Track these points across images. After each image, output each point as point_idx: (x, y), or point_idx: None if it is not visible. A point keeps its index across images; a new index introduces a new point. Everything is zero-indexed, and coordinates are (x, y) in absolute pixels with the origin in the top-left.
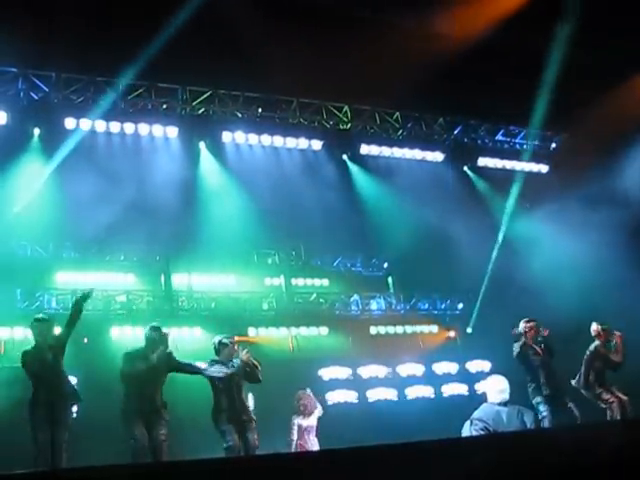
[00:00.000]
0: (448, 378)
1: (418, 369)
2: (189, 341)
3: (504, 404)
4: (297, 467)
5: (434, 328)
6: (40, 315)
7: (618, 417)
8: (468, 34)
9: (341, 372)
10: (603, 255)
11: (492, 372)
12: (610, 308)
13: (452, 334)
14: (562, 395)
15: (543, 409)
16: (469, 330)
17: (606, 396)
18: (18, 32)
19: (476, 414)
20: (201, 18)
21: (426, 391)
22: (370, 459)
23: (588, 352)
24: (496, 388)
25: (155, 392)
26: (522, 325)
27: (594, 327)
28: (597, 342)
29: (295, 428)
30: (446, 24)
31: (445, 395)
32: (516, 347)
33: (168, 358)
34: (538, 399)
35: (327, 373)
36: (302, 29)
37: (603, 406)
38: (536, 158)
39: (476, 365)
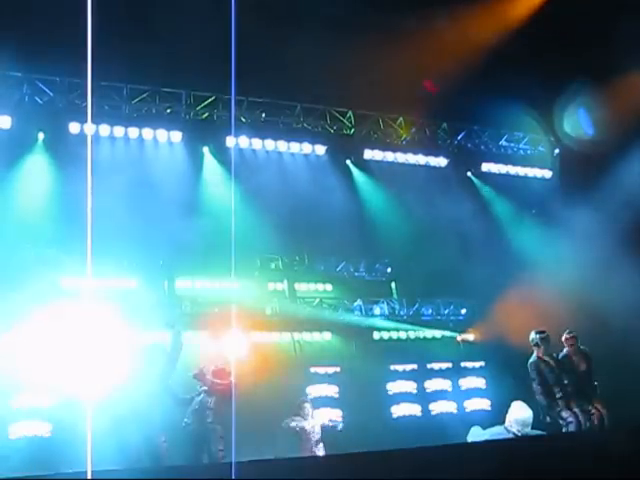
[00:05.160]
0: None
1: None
2: (192, 346)
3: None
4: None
5: (437, 333)
6: None
7: None
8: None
9: None
10: (609, 261)
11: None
12: (613, 311)
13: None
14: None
15: (566, 415)
16: (471, 337)
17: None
18: (22, 37)
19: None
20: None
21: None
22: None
23: None
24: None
25: None
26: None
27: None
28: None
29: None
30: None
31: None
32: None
33: None
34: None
35: None
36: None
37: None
38: (540, 163)
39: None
